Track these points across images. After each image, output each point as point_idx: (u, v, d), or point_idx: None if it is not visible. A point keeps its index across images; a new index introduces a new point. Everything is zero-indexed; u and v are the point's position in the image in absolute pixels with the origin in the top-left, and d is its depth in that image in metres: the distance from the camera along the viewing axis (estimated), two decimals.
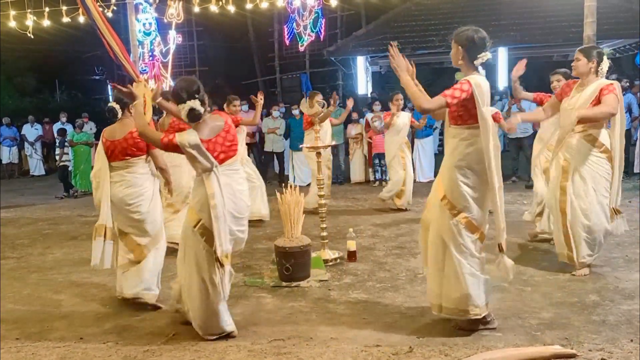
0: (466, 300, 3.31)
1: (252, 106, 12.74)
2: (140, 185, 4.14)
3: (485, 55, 3.31)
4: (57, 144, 11.32)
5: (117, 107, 4.18)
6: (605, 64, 4.34)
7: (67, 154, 11.24)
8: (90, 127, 15.86)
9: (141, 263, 4.12)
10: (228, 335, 3.49)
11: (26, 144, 15.39)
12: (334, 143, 6.73)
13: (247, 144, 11.96)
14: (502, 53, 13.95)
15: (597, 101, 4.22)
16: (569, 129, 4.33)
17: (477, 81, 3.24)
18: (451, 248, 3.32)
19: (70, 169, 11.28)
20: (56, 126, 14.59)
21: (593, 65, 4.31)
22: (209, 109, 3.45)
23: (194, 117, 3.33)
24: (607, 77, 4.41)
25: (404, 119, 7.90)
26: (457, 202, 3.31)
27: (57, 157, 11.22)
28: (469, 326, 3.41)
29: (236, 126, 7.15)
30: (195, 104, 3.30)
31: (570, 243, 4.37)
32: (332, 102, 7.34)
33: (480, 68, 3.34)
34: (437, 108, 3.33)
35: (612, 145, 4.32)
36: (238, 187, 3.49)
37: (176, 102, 3.40)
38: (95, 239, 4.11)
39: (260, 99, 6.80)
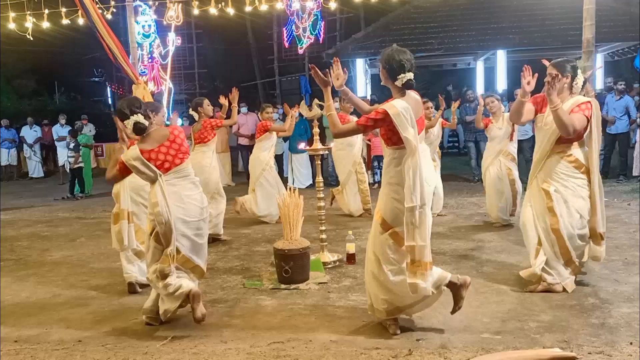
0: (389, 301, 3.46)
1: (250, 108, 12.79)
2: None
3: (405, 77, 3.34)
4: (71, 147, 11.28)
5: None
6: (580, 79, 4.03)
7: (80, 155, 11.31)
8: (89, 129, 15.86)
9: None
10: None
11: (25, 146, 15.39)
12: (332, 145, 6.73)
13: (245, 145, 12.06)
14: (501, 56, 14.00)
15: None
16: (547, 149, 4.07)
17: (397, 109, 3.27)
18: (381, 260, 3.44)
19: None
20: (55, 128, 14.61)
21: (567, 80, 4.00)
22: (152, 121, 3.77)
23: (139, 130, 3.66)
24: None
25: None
26: (388, 216, 3.40)
27: (72, 160, 11.16)
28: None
29: (266, 131, 7.21)
30: (139, 117, 3.63)
31: (573, 259, 4.12)
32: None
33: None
34: (349, 133, 3.58)
35: (590, 165, 4.05)
36: (186, 193, 3.75)
37: (120, 119, 3.66)
38: (119, 223, 4.55)
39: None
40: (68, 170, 11.24)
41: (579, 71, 4.06)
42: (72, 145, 11.22)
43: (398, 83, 3.36)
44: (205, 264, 3.92)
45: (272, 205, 7.15)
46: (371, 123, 3.33)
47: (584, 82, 4.12)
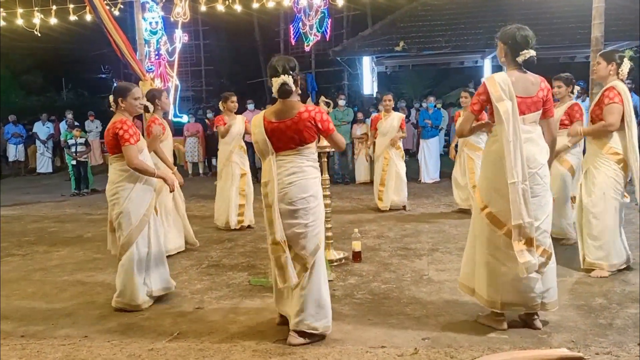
0: (486, 292, 3.43)
1: (257, 105, 12.79)
2: None
3: (528, 53, 3.33)
4: (82, 142, 11.31)
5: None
6: (626, 66, 4.40)
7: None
8: (96, 125, 15.92)
9: None
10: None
11: (38, 142, 15.41)
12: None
13: (250, 143, 12.04)
14: None
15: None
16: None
17: (494, 79, 3.34)
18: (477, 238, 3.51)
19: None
20: (63, 125, 14.65)
21: (613, 68, 4.42)
22: (296, 90, 3.43)
23: (283, 92, 3.34)
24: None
25: (392, 121, 7.92)
26: (484, 195, 3.44)
27: (80, 153, 11.19)
28: (486, 322, 3.52)
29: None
30: (288, 79, 3.30)
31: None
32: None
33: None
34: (468, 123, 3.48)
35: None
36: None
37: (271, 75, 3.37)
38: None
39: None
40: (71, 166, 11.22)
41: (625, 59, 4.39)
42: (81, 140, 11.27)
43: (520, 59, 3.33)
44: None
45: None
46: (476, 101, 3.35)
47: (631, 69, 4.44)
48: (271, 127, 3.36)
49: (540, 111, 3.38)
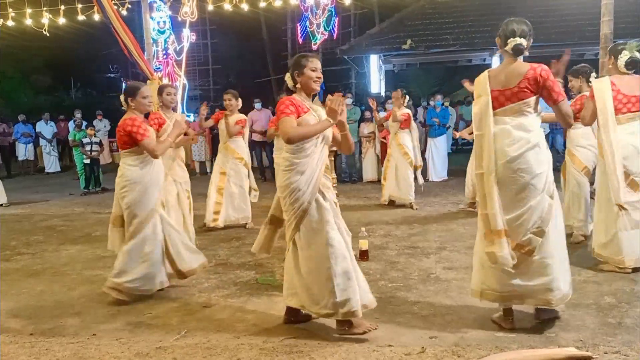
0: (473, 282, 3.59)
1: (265, 104, 12.81)
2: None
3: (514, 41, 3.35)
4: (96, 141, 11.38)
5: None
6: (624, 57, 4.40)
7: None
8: (104, 124, 15.99)
9: None
10: None
11: (44, 141, 15.51)
12: None
13: (257, 142, 12.07)
14: None
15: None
16: None
17: (481, 75, 3.49)
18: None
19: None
20: (71, 124, 14.73)
21: (610, 60, 4.54)
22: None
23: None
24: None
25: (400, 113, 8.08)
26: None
27: (96, 153, 11.25)
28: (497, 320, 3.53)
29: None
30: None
31: None
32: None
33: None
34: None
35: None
36: None
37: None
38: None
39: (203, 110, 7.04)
40: (83, 164, 11.28)
41: (624, 51, 4.41)
42: (96, 139, 11.35)
43: (507, 48, 3.37)
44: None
45: None
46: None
47: (629, 59, 4.39)
48: None
49: (531, 99, 3.34)
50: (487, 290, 3.46)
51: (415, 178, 8.15)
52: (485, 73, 3.46)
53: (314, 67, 3.47)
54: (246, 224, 7.01)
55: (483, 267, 3.47)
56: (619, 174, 4.29)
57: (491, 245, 3.31)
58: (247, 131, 7.34)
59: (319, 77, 3.50)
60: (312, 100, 3.63)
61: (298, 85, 3.52)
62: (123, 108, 4.40)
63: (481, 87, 3.42)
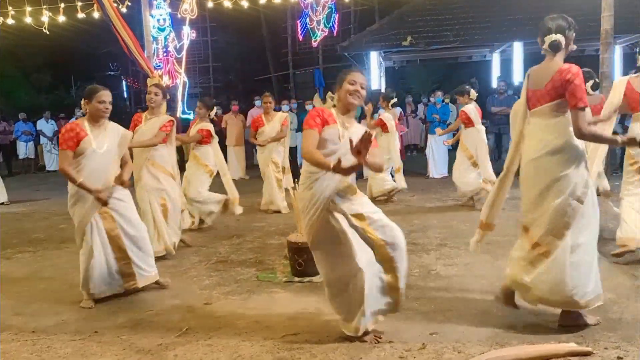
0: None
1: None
2: None
3: (551, 38, 3.38)
4: None
5: None
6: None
7: None
8: None
9: None
10: None
11: (44, 140, 15.52)
12: None
13: None
14: (518, 48, 13.80)
15: None
16: None
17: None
18: None
19: None
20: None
21: None
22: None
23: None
24: (622, 73, 4.41)
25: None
26: None
27: None
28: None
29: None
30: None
31: None
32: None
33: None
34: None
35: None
36: None
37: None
38: None
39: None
40: None
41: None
42: None
43: (545, 46, 3.37)
44: None
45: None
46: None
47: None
48: None
49: (558, 102, 3.26)
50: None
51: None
52: (528, 72, 3.46)
53: (353, 80, 3.22)
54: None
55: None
56: None
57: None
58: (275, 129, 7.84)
59: (356, 90, 3.22)
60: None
61: (337, 99, 3.33)
62: (81, 110, 4.24)
63: (523, 87, 3.48)
